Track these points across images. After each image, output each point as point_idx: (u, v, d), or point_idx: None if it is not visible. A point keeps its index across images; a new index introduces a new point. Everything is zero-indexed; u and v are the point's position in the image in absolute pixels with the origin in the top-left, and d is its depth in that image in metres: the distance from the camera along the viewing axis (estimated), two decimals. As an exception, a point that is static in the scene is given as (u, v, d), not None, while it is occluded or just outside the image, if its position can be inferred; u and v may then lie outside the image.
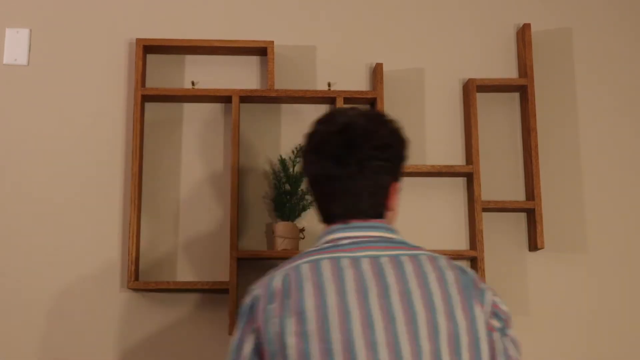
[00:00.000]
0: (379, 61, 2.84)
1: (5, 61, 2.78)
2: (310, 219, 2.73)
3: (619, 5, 2.96)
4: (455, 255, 2.64)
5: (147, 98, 2.73)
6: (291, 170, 2.71)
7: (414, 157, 2.79)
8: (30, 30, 2.81)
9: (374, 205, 1.68)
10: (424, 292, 1.53)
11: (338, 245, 1.61)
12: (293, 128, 2.79)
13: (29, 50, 2.79)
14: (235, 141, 2.65)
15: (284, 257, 2.63)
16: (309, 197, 2.72)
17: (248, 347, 1.57)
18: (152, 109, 2.77)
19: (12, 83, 2.77)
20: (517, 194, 2.78)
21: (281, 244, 2.61)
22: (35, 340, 2.62)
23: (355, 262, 1.56)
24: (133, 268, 2.58)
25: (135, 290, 2.64)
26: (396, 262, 1.57)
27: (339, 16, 2.89)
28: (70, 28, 2.82)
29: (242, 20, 2.86)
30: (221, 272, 2.68)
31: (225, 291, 2.65)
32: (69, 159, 2.73)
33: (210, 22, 2.85)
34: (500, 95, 2.87)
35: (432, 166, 2.69)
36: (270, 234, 2.71)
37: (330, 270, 1.55)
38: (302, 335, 1.48)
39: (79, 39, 2.81)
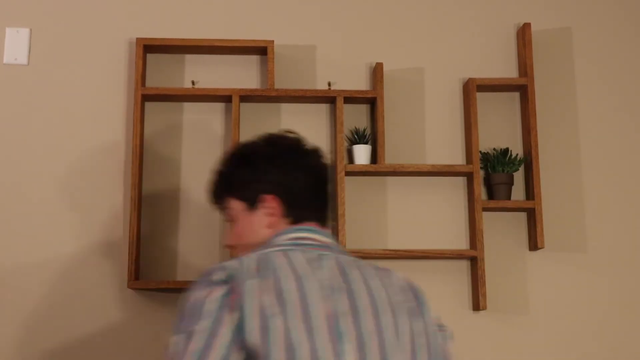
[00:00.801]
0: (379, 60, 2.84)
1: (5, 61, 2.78)
2: (310, 219, 2.72)
3: (619, 5, 2.96)
4: (455, 255, 2.64)
5: (147, 97, 2.73)
6: (291, 169, 2.70)
7: (414, 157, 2.79)
8: (31, 30, 2.80)
9: (327, 215, 1.84)
10: (385, 290, 1.64)
11: (302, 244, 1.71)
12: (293, 128, 2.77)
13: (29, 50, 2.79)
14: (236, 141, 2.65)
15: (284, 257, 2.63)
16: (309, 197, 2.72)
17: (227, 327, 1.53)
18: (152, 108, 2.77)
19: (12, 83, 2.77)
20: (518, 193, 2.78)
21: (281, 244, 2.61)
22: (36, 339, 2.61)
23: (320, 257, 1.66)
24: (133, 268, 2.58)
25: (136, 289, 2.63)
26: (354, 263, 1.68)
27: (339, 15, 2.89)
28: (71, 27, 2.82)
29: (242, 19, 2.86)
30: (221, 272, 2.68)
31: (225, 291, 2.65)
32: (69, 159, 2.73)
33: (211, 21, 2.85)
34: (500, 95, 2.87)
35: (432, 166, 2.69)
36: (270, 233, 2.70)
37: (303, 259, 1.63)
38: (283, 313, 1.51)
39: (79, 38, 2.81)
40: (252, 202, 1.84)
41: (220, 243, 2.69)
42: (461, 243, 2.75)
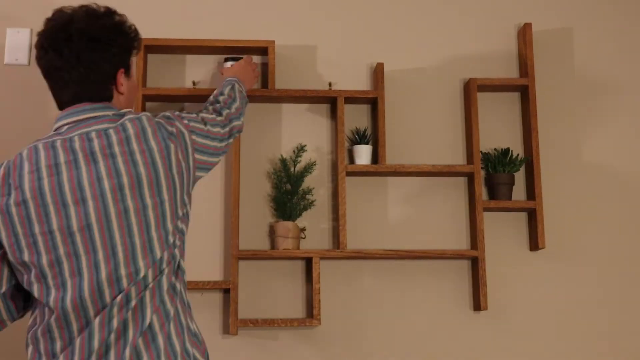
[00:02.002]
0: (380, 61, 2.84)
1: (6, 61, 2.78)
2: (311, 219, 2.73)
3: (619, 5, 2.96)
4: (456, 255, 2.64)
5: (148, 98, 2.73)
6: (292, 169, 2.71)
7: (415, 157, 2.80)
8: (31, 30, 2.80)
9: (99, 90, 1.86)
10: (125, 151, 1.77)
11: (59, 133, 1.81)
12: (294, 128, 2.80)
13: (30, 50, 2.79)
14: (236, 141, 2.65)
15: (285, 257, 2.64)
16: (310, 197, 2.72)
17: None
18: (153, 108, 2.78)
19: (13, 83, 2.77)
20: (518, 194, 2.78)
21: (282, 244, 2.61)
22: (37, 340, 2.62)
23: (69, 141, 1.77)
24: (134, 268, 2.58)
25: (137, 290, 2.64)
26: (103, 133, 1.78)
27: (340, 16, 2.89)
28: (71, 28, 2.82)
29: (243, 20, 2.86)
30: (222, 272, 2.68)
31: (226, 291, 2.66)
32: (70, 159, 2.73)
33: (211, 22, 2.85)
34: (501, 95, 2.87)
35: (433, 166, 2.69)
36: (271, 233, 2.71)
37: (44, 152, 1.77)
38: (22, 202, 1.73)
39: (79, 38, 2.81)
40: None
41: (222, 244, 2.70)
42: (462, 243, 2.76)
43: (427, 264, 2.73)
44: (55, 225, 1.70)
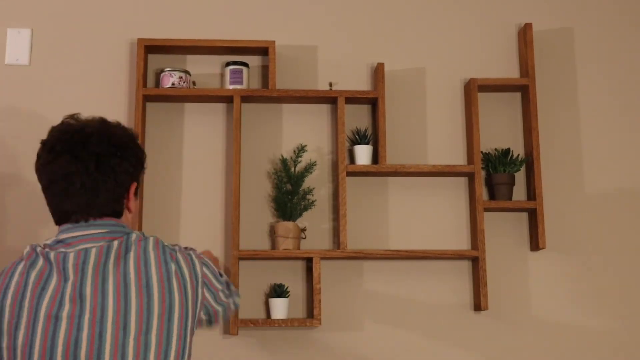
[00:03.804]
0: (381, 61, 2.84)
1: (7, 61, 2.78)
2: (312, 219, 2.73)
3: (620, 5, 2.96)
4: (456, 255, 2.64)
5: (148, 98, 2.73)
6: (292, 170, 2.71)
7: (416, 157, 2.80)
8: (32, 31, 2.81)
9: (111, 202, 1.69)
10: (123, 275, 1.60)
11: (62, 244, 1.65)
12: (294, 128, 2.80)
13: (31, 51, 2.80)
14: (237, 141, 2.65)
15: (285, 257, 2.64)
16: (310, 197, 2.72)
17: None
18: (153, 108, 2.78)
19: (14, 83, 2.77)
20: (519, 194, 2.78)
21: (282, 244, 2.61)
22: (37, 340, 2.62)
23: (64, 256, 1.61)
24: (134, 268, 2.58)
25: (137, 290, 2.64)
26: (103, 251, 1.61)
27: (341, 16, 2.89)
28: (72, 28, 2.82)
29: (244, 20, 2.86)
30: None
31: (226, 291, 2.66)
32: (71, 159, 2.73)
33: (212, 22, 2.85)
34: (501, 95, 2.87)
35: (434, 166, 2.69)
36: (271, 233, 2.71)
37: (37, 271, 1.61)
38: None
39: (80, 39, 2.81)
40: None
41: (222, 244, 2.70)
42: (462, 243, 2.75)
43: (427, 264, 2.73)
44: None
